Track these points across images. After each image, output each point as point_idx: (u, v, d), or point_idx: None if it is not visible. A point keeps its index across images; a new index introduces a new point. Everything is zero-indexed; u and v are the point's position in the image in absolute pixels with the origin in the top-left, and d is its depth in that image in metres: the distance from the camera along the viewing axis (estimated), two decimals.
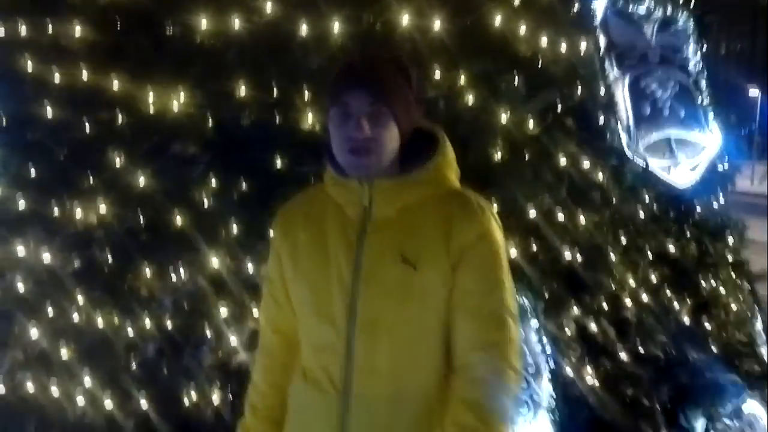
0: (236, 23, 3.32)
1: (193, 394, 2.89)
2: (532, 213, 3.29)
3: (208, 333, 2.97)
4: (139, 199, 3.21)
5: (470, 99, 3.36)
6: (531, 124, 3.47)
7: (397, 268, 1.50)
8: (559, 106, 3.63)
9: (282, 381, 1.69)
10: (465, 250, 1.52)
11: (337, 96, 1.52)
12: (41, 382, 2.98)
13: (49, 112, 3.37)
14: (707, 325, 3.63)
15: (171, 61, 3.34)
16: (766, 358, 3.72)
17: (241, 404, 2.86)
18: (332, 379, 1.53)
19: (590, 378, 3.12)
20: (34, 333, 3.06)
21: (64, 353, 3.01)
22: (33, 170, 3.36)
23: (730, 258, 4.05)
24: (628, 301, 3.43)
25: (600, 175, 3.64)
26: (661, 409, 3.13)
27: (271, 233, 1.72)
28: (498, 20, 3.49)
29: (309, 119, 3.24)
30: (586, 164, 3.58)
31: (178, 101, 3.29)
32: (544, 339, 2.96)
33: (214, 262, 3.02)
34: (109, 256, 3.14)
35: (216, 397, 2.91)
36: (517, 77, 3.46)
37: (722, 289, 3.83)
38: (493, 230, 1.57)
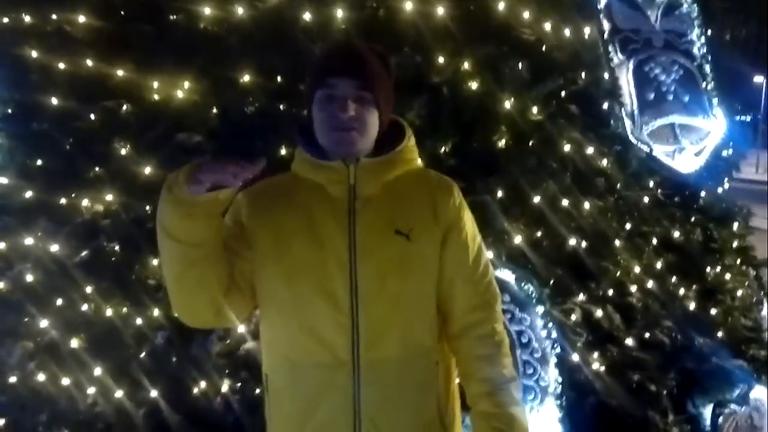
0: (239, 10, 3.32)
1: (202, 382, 2.91)
2: (537, 199, 3.29)
3: None
4: (145, 189, 3.21)
5: (474, 85, 3.35)
6: (535, 110, 3.47)
7: (392, 240, 1.60)
8: (563, 92, 3.62)
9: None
10: (451, 223, 1.66)
11: (324, 79, 1.58)
12: (51, 372, 3.00)
13: (54, 101, 3.37)
14: (713, 311, 3.63)
15: (175, 49, 3.34)
16: None
17: (249, 392, 2.90)
18: (337, 353, 1.58)
19: (596, 364, 3.12)
20: (43, 323, 3.07)
21: (74, 343, 3.03)
22: (39, 160, 3.36)
23: (735, 244, 4.04)
24: (633, 288, 3.43)
25: (604, 162, 3.64)
26: (667, 394, 3.13)
27: (230, 213, 1.67)
28: (502, 6, 3.49)
29: None
30: (590, 150, 3.58)
31: (183, 90, 3.29)
32: (550, 325, 2.97)
33: None
34: (117, 246, 3.15)
35: (225, 386, 2.93)
36: (521, 63, 3.45)
37: (727, 275, 3.84)
38: (464, 203, 1.73)
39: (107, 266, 3.13)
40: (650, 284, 3.48)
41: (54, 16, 3.50)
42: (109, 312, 3.04)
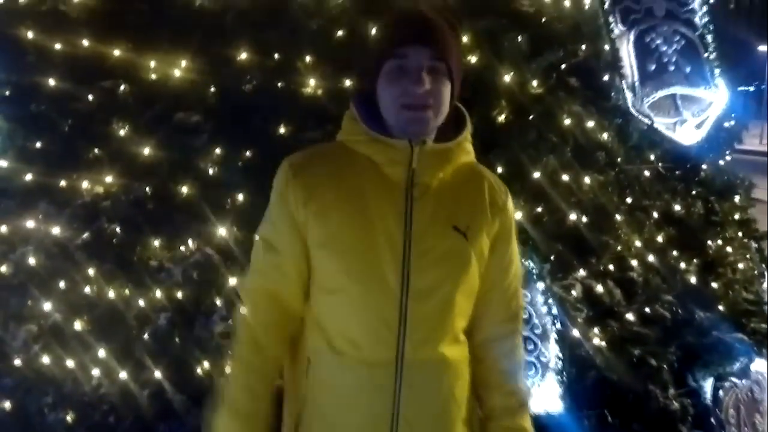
0: None
1: (206, 362, 2.92)
2: (537, 174, 3.28)
3: (218, 302, 2.99)
4: (145, 169, 3.21)
5: (473, 59, 3.32)
6: (535, 83, 3.44)
7: (449, 236, 1.48)
8: (563, 65, 3.59)
9: (273, 380, 1.59)
10: (504, 230, 1.57)
11: (395, 48, 1.44)
12: (56, 355, 3.02)
13: (52, 82, 3.36)
14: (714, 285, 3.63)
15: (171, 27, 3.32)
16: None
17: None
18: (380, 349, 1.47)
19: (597, 339, 3.13)
20: (46, 306, 3.09)
21: (78, 325, 3.05)
22: (38, 143, 3.35)
23: (736, 216, 4.03)
24: (634, 262, 3.43)
25: (605, 135, 3.62)
26: (668, 369, 3.14)
27: (278, 192, 1.55)
28: None
29: (311, 84, 3.21)
30: (590, 124, 3.56)
31: (180, 68, 3.27)
32: (551, 301, 2.98)
33: (221, 231, 3.02)
34: (118, 228, 3.16)
35: (228, 366, 2.94)
36: (520, 36, 3.41)
37: (729, 248, 3.82)
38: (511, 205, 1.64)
39: (109, 248, 3.14)
40: (651, 258, 3.48)
41: None
42: (111, 294, 3.05)
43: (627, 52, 3.87)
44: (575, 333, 3.08)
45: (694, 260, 3.65)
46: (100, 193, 3.24)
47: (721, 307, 3.52)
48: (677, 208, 3.76)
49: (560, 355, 2.92)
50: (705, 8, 4.04)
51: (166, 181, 3.16)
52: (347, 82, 3.19)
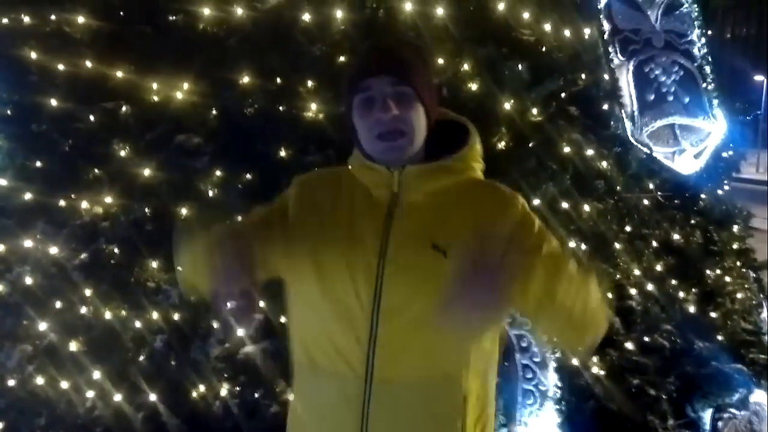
0: (239, 10, 3.31)
1: (201, 386, 2.90)
2: (536, 201, 3.28)
3: (215, 325, 2.97)
4: (144, 190, 3.21)
5: (474, 86, 3.35)
6: (535, 111, 3.45)
7: (427, 254, 1.46)
8: (563, 93, 3.61)
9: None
10: (511, 240, 1.48)
11: (358, 83, 1.48)
12: (50, 376, 2.99)
13: (54, 102, 3.37)
14: (713, 315, 3.62)
15: (174, 50, 3.34)
16: None
17: (248, 396, 2.90)
18: (351, 363, 1.49)
19: (596, 368, 3.12)
20: (42, 326, 3.06)
21: (73, 346, 3.02)
22: (38, 162, 3.36)
23: (735, 246, 4.03)
24: (633, 291, 3.42)
25: (604, 163, 3.63)
26: (667, 399, 3.13)
27: (282, 197, 1.64)
28: (501, 6, 3.48)
29: (313, 108, 3.23)
30: (590, 152, 3.57)
31: (182, 91, 3.28)
32: None
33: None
34: (116, 249, 3.15)
35: (223, 390, 2.92)
36: (520, 64, 3.44)
37: (727, 278, 3.82)
38: (528, 212, 1.58)
39: (106, 269, 3.13)
40: (650, 287, 3.47)
41: (53, 17, 3.49)
42: (108, 315, 3.04)
43: (626, 82, 3.90)
44: (574, 362, 3.06)
45: (693, 289, 3.65)
46: (99, 214, 3.24)
47: (720, 337, 3.50)
48: (676, 237, 3.76)
49: (559, 384, 2.90)
50: (703, 39, 4.08)
51: (165, 202, 3.16)
52: None
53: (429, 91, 1.52)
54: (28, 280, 3.15)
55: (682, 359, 3.29)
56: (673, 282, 3.60)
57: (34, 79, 3.44)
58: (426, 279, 1.45)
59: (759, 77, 25.18)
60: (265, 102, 3.28)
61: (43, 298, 3.11)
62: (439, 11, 3.33)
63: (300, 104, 3.25)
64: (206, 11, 3.32)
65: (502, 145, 3.37)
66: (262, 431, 2.82)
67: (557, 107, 3.55)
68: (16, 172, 3.35)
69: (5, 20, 3.52)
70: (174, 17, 3.41)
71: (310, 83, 3.29)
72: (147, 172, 3.21)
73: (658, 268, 3.58)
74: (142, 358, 2.98)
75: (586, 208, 3.45)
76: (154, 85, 3.32)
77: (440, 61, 3.32)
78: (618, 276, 3.41)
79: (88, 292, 3.08)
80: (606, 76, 3.83)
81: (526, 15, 3.55)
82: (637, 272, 3.48)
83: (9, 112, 3.49)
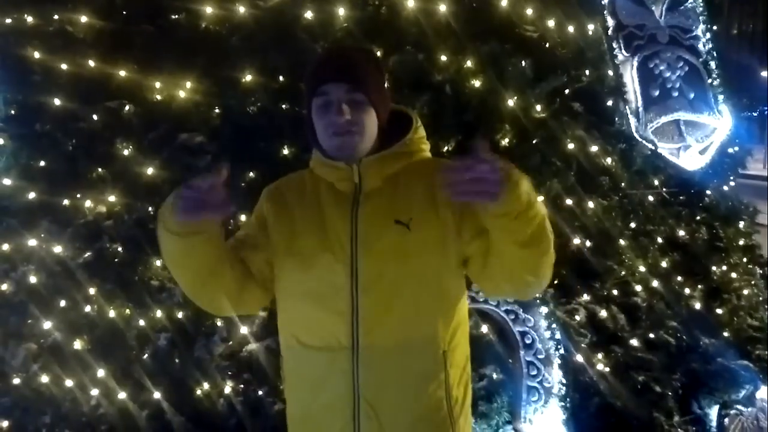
0: (241, 9, 3.31)
1: (205, 384, 2.90)
2: (540, 198, 3.27)
3: (219, 323, 2.98)
4: (148, 189, 3.21)
5: (477, 83, 3.34)
6: (538, 108, 3.44)
7: (391, 230, 1.64)
8: (567, 90, 3.60)
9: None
10: (463, 206, 1.61)
11: (317, 87, 1.64)
12: (55, 374, 3.00)
13: (57, 102, 3.37)
14: (719, 311, 3.60)
15: (177, 49, 3.34)
16: None
17: (252, 393, 2.90)
18: (338, 337, 1.64)
19: (601, 365, 3.11)
20: (46, 325, 3.07)
21: (77, 344, 3.03)
22: (42, 162, 3.36)
23: (741, 242, 4.01)
24: (638, 287, 3.41)
25: (608, 160, 3.61)
26: (673, 395, 3.11)
27: (256, 211, 1.78)
28: (504, 2, 3.47)
29: None
30: (594, 148, 3.56)
31: (185, 90, 3.28)
32: (554, 326, 2.96)
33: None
34: (120, 248, 3.15)
35: (227, 387, 2.92)
36: (524, 61, 3.43)
37: (733, 274, 3.80)
38: None
39: (110, 267, 3.14)
40: (655, 284, 3.46)
41: (56, 17, 3.50)
42: (112, 313, 3.04)
43: (631, 78, 3.89)
44: (579, 358, 3.05)
45: (699, 286, 3.63)
46: (103, 213, 3.24)
47: (726, 334, 3.49)
48: (681, 233, 3.74)
49: (564, 380, 2.89)
50: (708, 35, 4.06)
51: None
52: None
53: (379, 95, 1.69)
54: (33, 279, 3.16)
55: (688, 356, 3.28)
56: (679, 278, 3.59)
57: (38, 78, 3.45)
58: (395, 251, 1.64)
59: (765, 73, 24.99)
60: (268, 100, 3.28)
61: (47, 297, 3.12)
62: (442, 8, 3.33)
63: (302, 102, 3.24)
64: (209, 10, 3.33)
65: (506, 142, 3.36)
66: (266, 429, 2.82)
67: (561, 104, 3.54)
68: (20, 171, 3.35)
69: (8, 20, 3.53)
70: (176, 16, 3.42)
71: None
72: (150, 170, 3.22)
73: (664, 264, 3.57)
74: (146, 356, 2.98)
75: (591, 204, 3.44)
76: (157, 84, 3.32)
77: (443, 57, 3.32)
78: (623, 273, 3.40)
79: (92, 291, 3.08)
80: (610, 72, 3.81)
81: (529, 11, 3.54)
82: (642, 269, 3.47)
83: (13, 111, 3.50)
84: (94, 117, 3.36)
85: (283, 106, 3.27)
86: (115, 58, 3.36)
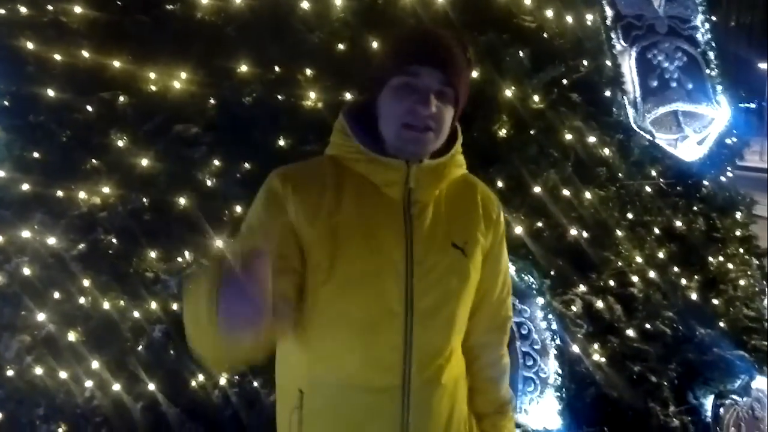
0: None
1: (200, 376, 2.90)
2: (537, 189, 3.26)
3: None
4: (142, 181, 3.20)
5: (474, 73, 3.31)
6: (536, 98, 3.42)
7: (449, 254, 1.46)
8: (565, 80, 3.58)
9: None
10: (497, 240, 1.57)
11: (407, 65, 1.40)
12: (49, 366, 2.99)
13: (51, 93, 3.35)
14: (715, 302, 3.60)
15: (172, 39, 3.32)
16: None
17: (247, 385, 2.89)
18: (386, 373, 1.43)
19: (597, 355, 3.10)
20: (40, 317, 3.06)
21: (71, 337, 3.02)
22: (36, 153, 3.35)
23: (738, 233, 4.01)
24: (634, 278, 3.40)
25: (606, 150, 3.60)
26: (668, 385, 3.11)
27: (271, 202, 1.47)
28: None
29: (312, 97, 3.20)
30: (592, 139, 3.54)
31: (180, 80, 3.26)
32: (551, 316, 2.94)
33: (219, 243, 3.00)
34: (114, 239, 3.14)
35: (222, 379, 2.92)
36: (521, 51, 3.40)
37: (730, 265, 3.80)
38: (504, 227, 1.64)
39: (104, 259, 3.13)
40: (652, 274, 3.45)
41: (50, 7, 3.48)
42: (106, 305, 3.03)
43: (629, 68, 3.87)
44: (575, 349, 3.05)
45: (695, 277, 3.63)
46: (97, 204, 3.23)
47: (722, 324, 3.49)
48: (678, 224, 3.73)
49: (560, 371, 2.88)
50: (707, 25, 4.04)
51: (164, 192, 3.15)
52: (348, 96, 3.19)
53: (465, 97, 1.48)
54: (27, 271, 3.15)
55: (684, 346, 3.27)
56: (676, 269, 3.58)
57: (32, 69, 3.43)
58: (453, 278, 1.46)
59: (763, 65, 25.01)
60: (264, 91, 3.26)
61: (41, 289, 3.11)
62: None
63: (299, 93, 3.23)
64: (204, 0, 3.30)
65: (503, 132, 3.35)
66: (262, 420, 2.81)
67: (559, 94, 3.52)
68: (14, 163, 3.34)
69: (2, 11, 3.50)
70: (171, 6, 3.40)
71: (308, 72, 3.27)
72: (145, 162, 3.20)
73: (661, 255, 3.56)
74: (140, 347, 2.98)
75: (588, 195, 3.42)
76: (152, 75, 3.30)
77: None
78: (620, 263, 3.39)
79: (86, 283, 3.07)
80: (608, 63, 3.79)
81: (527, 1, 3.52)
82: (639, 259, 3.46)
83: (6, 103, 3.48)
84: (89, 108, 3.34)
85: (279, 96, 3.25)
86: (110, 49, 3.34)
